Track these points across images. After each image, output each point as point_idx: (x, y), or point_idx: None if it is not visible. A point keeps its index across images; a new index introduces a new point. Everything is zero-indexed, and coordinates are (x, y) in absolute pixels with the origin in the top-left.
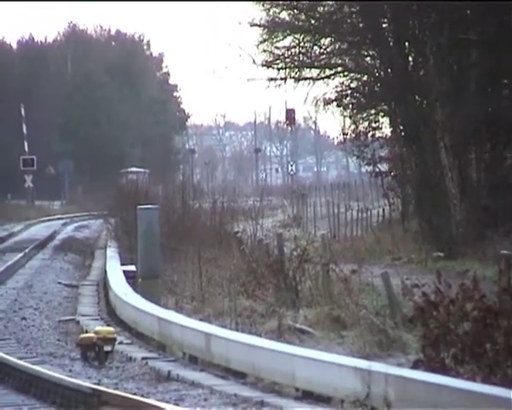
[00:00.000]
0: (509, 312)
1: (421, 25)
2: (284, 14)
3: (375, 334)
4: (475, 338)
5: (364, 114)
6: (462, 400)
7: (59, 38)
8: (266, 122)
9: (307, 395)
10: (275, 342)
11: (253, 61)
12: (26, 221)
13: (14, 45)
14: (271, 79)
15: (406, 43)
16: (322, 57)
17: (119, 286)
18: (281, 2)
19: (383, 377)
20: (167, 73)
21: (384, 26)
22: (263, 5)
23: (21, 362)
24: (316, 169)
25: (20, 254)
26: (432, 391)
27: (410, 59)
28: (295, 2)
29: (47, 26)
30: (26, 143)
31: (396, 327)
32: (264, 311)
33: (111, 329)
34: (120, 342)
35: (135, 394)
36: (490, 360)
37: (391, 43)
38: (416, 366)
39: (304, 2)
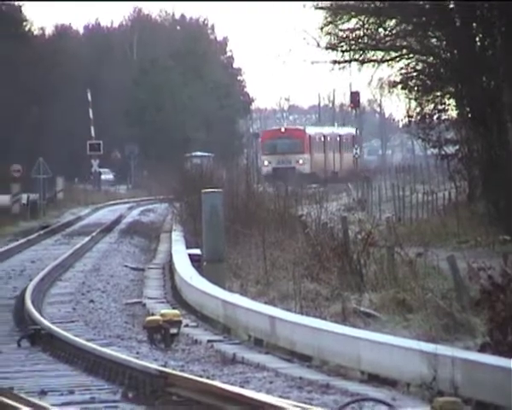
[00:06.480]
0: None
1: (488, 5)
2: None
3: (441, 317)
4: None
5: (430, 96)
6: None
7: (124, 23)
8: (330, 105)
9: (373, 379)
10: (340, 325)
11: (318, 44)
12: (92, 205)
13: (81, 31)
14: (335, 62)
15: (473, 24)
16: (386, 39)
17: (185, 269)
18: None
19: (450, 361)
20: (231, 57)
21: (450, 6)
22: None
23: (90, 344)
24: (381, 152)
25: (88, 238)
26: (499, 375)
27: (477, 40)
28: None
29: (112, 11)
30: (92, 128)
31: (463, 311)
32: (328, 294)
33: (177, 312)
34: (186, 325)
35: (201, 376)
36: None
37: (457, 24)
38: (483, 349)
39: None
